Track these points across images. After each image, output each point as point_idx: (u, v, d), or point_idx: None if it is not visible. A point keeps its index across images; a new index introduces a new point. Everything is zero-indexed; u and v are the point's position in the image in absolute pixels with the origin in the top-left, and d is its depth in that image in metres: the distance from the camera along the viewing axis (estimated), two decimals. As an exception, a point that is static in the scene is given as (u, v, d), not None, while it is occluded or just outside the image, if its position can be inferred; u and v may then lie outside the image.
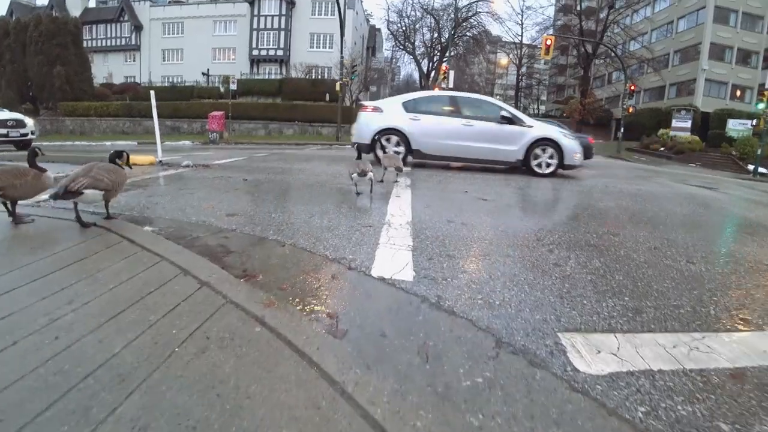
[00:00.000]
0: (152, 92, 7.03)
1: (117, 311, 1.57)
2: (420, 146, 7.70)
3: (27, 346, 1.30)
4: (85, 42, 38.83)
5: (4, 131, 11.50)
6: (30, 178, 2.51)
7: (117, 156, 2.77)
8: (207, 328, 1.48)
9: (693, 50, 34.81)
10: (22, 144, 12.29)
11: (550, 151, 7.65)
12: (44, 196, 2.90)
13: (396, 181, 5.47)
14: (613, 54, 31.83)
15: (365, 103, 9.44)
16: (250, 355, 1.33)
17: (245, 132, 24.47)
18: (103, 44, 43.26)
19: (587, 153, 11.73)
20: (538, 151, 7.67)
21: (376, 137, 7.70)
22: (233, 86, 23.17)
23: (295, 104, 25.26)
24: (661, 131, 28.45)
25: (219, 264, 2.25)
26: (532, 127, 7.72)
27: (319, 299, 1.90)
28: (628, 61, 31.56)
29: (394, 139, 7.71)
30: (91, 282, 1.83)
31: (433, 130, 7.68)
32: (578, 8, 36.32)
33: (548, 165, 7.74)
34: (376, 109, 7.91)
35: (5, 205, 2.57)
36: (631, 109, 27.72)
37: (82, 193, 2.42)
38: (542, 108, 66.89)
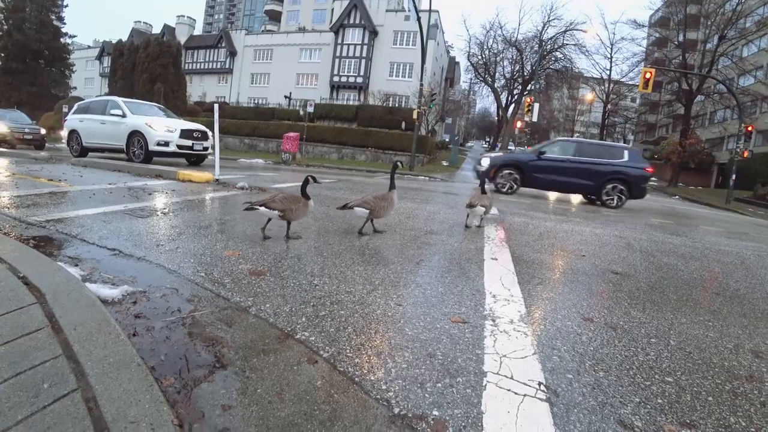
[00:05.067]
0: (216, 106, 6.48)
1: None
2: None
3: None
4: (186, 65, 42.57)
5: (189, 143, 9.66)
6: (301, 204, 3.05)
7: None
8: None
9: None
10: (198, 158, 10.54)
11: None
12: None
13: (480, 226, 4.36)
14: (722, 90, 27.95)
15: None
16: None
17: (318, 155, 24.43)
18: (202, 67, 47.21)
19: (638, 190, 9.72)
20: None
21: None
22: (310, 109, 23.35)
23: (370, 130, 24.77)
24: (782, 180, 24.25)
25: (187, 407, 1.18)
26: None
27: None
28: (741, 98, 27.39)
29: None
30: None
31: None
32: (679, 40, 32.56)
33: None
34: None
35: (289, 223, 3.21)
36: (746, 153, 23.95)
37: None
38: (628, 148, 61.23)
